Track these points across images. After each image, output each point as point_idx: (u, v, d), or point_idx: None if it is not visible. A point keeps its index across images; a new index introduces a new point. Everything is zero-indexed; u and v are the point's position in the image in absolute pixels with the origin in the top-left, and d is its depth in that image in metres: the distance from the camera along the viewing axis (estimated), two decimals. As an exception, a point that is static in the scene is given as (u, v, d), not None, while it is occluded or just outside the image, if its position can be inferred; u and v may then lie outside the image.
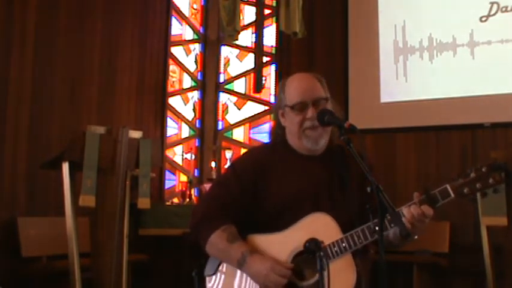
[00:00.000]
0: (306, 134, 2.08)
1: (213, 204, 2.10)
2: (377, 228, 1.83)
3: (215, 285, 2.06)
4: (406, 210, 1.89)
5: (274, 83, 6.58)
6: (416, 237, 1.92)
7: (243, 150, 6.00)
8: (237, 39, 5.97)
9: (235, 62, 6.75)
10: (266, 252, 1.99)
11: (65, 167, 3.74)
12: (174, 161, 6.17)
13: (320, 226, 1.97)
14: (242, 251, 1.98)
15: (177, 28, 6.32)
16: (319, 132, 2.07)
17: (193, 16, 6.60)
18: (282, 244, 1.98)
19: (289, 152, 2.15)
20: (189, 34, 6.51)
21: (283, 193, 2.05)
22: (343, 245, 1.92)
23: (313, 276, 1.93)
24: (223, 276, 2.06)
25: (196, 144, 6.47)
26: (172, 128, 6.17)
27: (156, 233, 5.16)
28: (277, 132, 2.21)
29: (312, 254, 1.83)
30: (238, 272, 2.01)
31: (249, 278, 1.99)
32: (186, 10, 6.46)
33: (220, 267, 2.07)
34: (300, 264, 1.96)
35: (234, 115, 6.66)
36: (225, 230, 2.02)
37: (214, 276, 2.07)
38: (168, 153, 6.09)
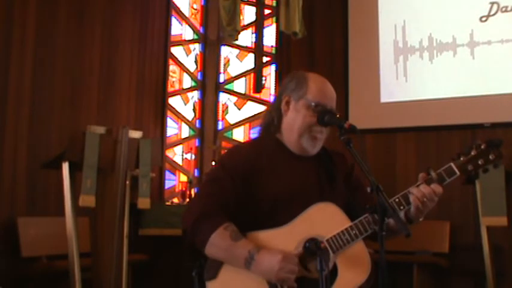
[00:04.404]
0: (312, 135, 2.03)
1: (208, 201, 1.96)
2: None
3: None
4: (416, 190, 1.90)
5: (274, 83, 6.59)
6: (421, 219, 1.94)
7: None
8: (237, 39, 5.97)
9: (235, 62, 6.75)
10: (271, 247, 1.90)
11: (65, 167, 3.74)
12: (174, 161, 6.17)
13: (326, 215, 1.94)
14: (248, 248, 1.88)
15: (177, 28, 6.32)
16: (323, 138, 2.06)
17: (193, 16, 6.60)
18: (287, 237, 1.92)
19: (279, 150, 2.08)
20: (189, 34, 6.51)
21: (273, 191, 1.99)
22: (353, 232, 1.90)
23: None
24: (225, 279, 1.94)
25: (196, 144, 6.47)
26: (172, 128, 6.17)
27: (156, 233, 5.16)
28: (273, 115, 2.10)
29: (312, 255, 1.82)
30: (242, 272, 1.90)
31: (254, 278, 1.89)
32: (186, 10, 6.47)
33: (221, 270, 1.94)
34: (307, 256, 1.90)
35: (234, 115, 6.66)
36: (227, 228, 1.91)
37: (215, 281, 1.95)
38: (168, 153, 6.09)
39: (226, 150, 2.26)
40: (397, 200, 1.92)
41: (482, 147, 1.92)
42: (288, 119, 2.07)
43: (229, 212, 1.96)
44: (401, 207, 1.92)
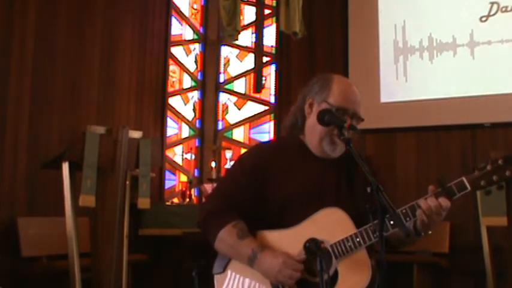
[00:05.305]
0: (333, 139, 2.00)
1: (221, 199, 2.04)
2: (392, 222, 1.84)
3: (224, 284, 2.01)
4: (423, 203, 1.85)
5: (274, 83, 6.59)
6: (430, 232, 1.90)
7: (243, 150, 5.99)
8: (237, 39, 5.97)
9: (235, 62, 6.75)
10: (277, 248, 1.94)
11: (65, 167, 3.74)
12: (174, 161, 6.17)
13: (333, 221, 1.93)
14: (252, 247, 1.93)
15: (177, 28, 6.32)
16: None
17: (193, 16, 6.61)
18: (293, 240, 1.93)
19: (300, 151, 2.08)
20: (189, 34, 6.51)
21: (285, 192, 2.00)
22: (357, 239, 1.88)
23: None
24: (232, 274, 2.01)
25: (196, 144, 6.47)
26: (172, 128, 6.17)
27: (156, 233, 5.16)
28: (297, 116, 2.10)
29: (312, 255, 1.82)
30: (248, 269, 1.95)
31: (259, 275, 1.93)
32: (186, 10, 6.47)
33: (229, 265, 2.01)
34: (311, 261, 1.89)
35: (234, 115, 6.66)
36: (235, 225, 1.97)
37: (222, 275, 2.02)
38: (168, 153, 6.09)
39: (248, 148, 2.29)
40: (403, 211, 1.89)
41: (499, 162, 1.84)
42: (310, 121, 2.07)
43: (240, 211, 2.01)
44: (408, 219, 1.88)
